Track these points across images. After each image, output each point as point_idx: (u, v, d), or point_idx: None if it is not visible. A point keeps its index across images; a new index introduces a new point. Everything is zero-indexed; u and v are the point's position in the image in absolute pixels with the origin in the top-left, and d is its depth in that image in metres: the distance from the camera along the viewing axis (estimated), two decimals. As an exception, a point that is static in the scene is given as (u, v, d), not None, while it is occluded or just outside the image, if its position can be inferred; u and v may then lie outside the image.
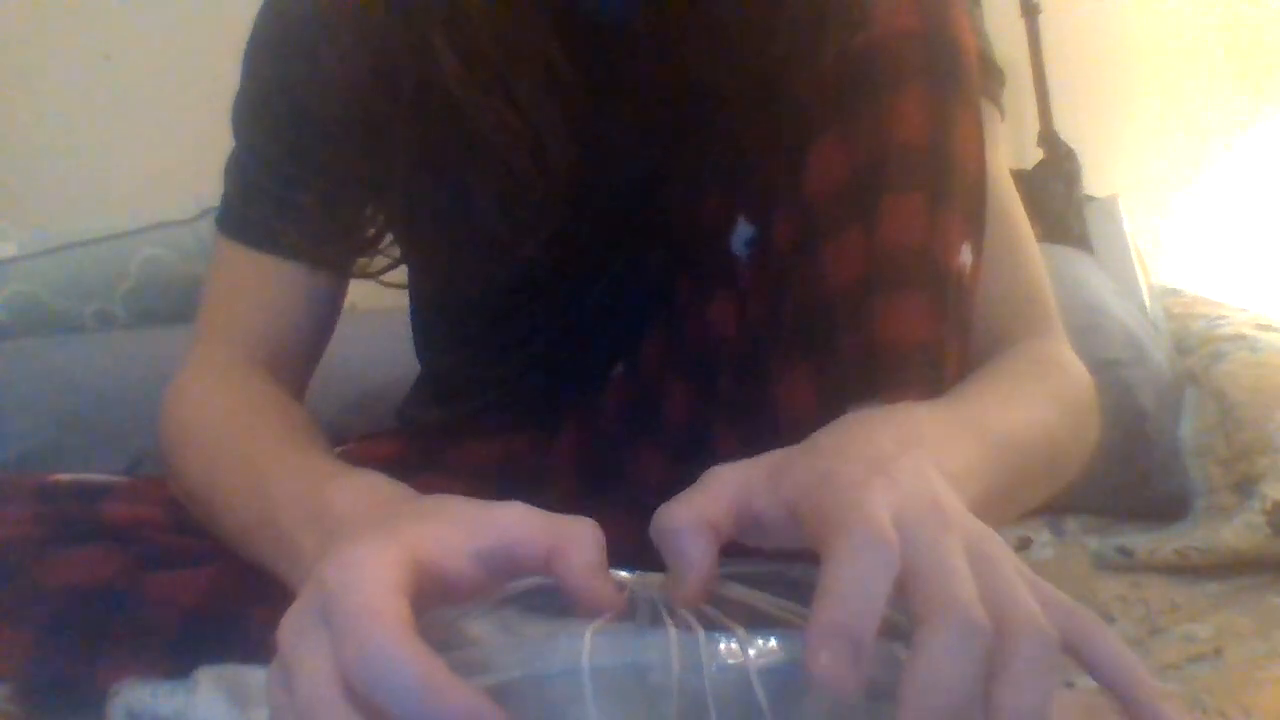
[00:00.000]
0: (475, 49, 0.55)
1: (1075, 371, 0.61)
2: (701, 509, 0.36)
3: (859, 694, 0.32)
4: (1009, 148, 1.63)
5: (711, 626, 0.33)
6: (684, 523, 0.35)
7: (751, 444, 0.41)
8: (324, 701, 0.30)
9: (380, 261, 0.64)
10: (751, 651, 0.32)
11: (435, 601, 0.34)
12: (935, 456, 0.39)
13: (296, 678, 0.31)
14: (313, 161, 0.64)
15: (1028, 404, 0.53)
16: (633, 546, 0.60)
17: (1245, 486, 1.08)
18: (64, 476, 0.69)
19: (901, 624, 0.32)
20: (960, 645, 0.30)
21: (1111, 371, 1.19)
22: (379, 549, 0.33)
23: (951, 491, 0.37)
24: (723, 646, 0.32)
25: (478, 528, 0.35)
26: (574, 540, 0.35)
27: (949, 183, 0.54)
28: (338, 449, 0.64)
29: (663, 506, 0.36)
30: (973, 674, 0.30)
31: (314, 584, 0.33)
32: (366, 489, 0.45)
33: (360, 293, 0.71)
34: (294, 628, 0.33)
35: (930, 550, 0.32)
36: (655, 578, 0.36)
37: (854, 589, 0.31)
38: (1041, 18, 1.69)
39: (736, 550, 0.37)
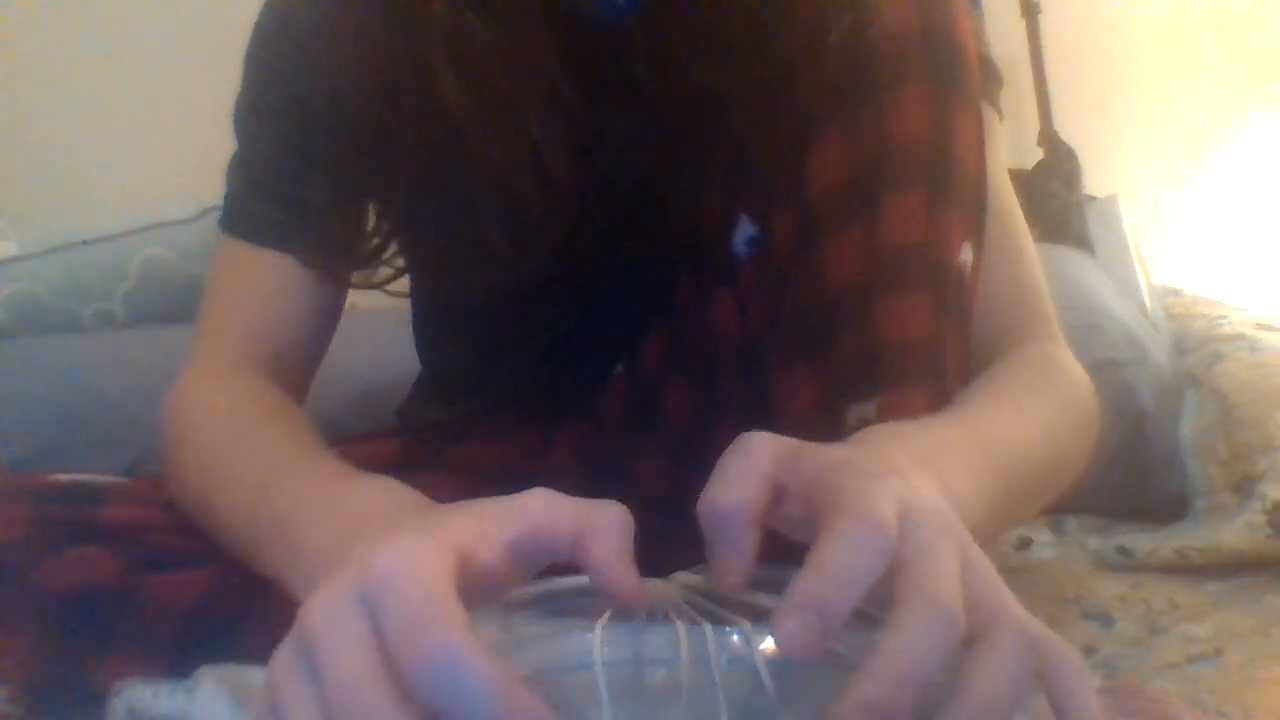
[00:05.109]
0: (475, 67, 0.55)
1: (1076, 377, 0.61)
2: (746, 491, 0.36)
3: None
4: (1009, 148, 1.63)
5: (715, 623, 0.33)
6: (731, 509, 0.35)
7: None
8: (366, 691, 0.29)
9: (384, 272, 0.64)
10: (759, 643, 0.32)
11: (470, 598, 0.33)
12: (944, 478, 0.39)
13: (331, 664, 0.30)
14: (316, 160, 0.64)
15: (1033, 418, 0.53)
16: (633, 547, 0.60)
17: (1245, 486, 1.07)
18: (64, 477, 0.68)
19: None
20: (930, 629, 0.31)
21: (1111, 371, 1.19)
22: (428, 541, 0.32)
23: (955, 512, 0.37)
24: (733, 639, 0.32)
25: (509, 518, 0.35)
26: (600, 526, 0.34)
27: (949, 181, 0.54)
28: (335, 449, 0.64)
29: (708, 490, 0.36)
30: (937, 657, 0.30)
31: (355, 569, 0.31)
32: (384, 491, 0.45)
33: (360, 292, 0.71)
34: (328, 611, 0.31)
35: (924, 547, 0.33)
36: (656, 583, 0.36)
37: (840, 567, 0.31)
38: (1041, 18, 1.69)
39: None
